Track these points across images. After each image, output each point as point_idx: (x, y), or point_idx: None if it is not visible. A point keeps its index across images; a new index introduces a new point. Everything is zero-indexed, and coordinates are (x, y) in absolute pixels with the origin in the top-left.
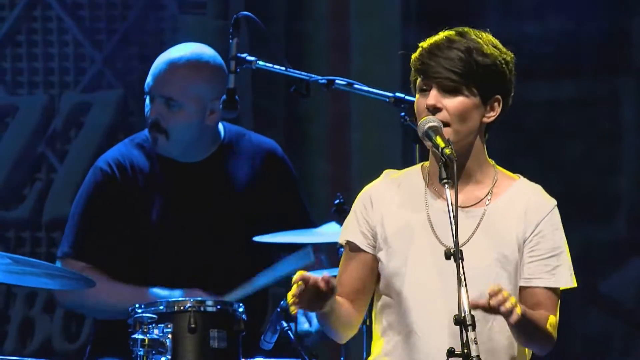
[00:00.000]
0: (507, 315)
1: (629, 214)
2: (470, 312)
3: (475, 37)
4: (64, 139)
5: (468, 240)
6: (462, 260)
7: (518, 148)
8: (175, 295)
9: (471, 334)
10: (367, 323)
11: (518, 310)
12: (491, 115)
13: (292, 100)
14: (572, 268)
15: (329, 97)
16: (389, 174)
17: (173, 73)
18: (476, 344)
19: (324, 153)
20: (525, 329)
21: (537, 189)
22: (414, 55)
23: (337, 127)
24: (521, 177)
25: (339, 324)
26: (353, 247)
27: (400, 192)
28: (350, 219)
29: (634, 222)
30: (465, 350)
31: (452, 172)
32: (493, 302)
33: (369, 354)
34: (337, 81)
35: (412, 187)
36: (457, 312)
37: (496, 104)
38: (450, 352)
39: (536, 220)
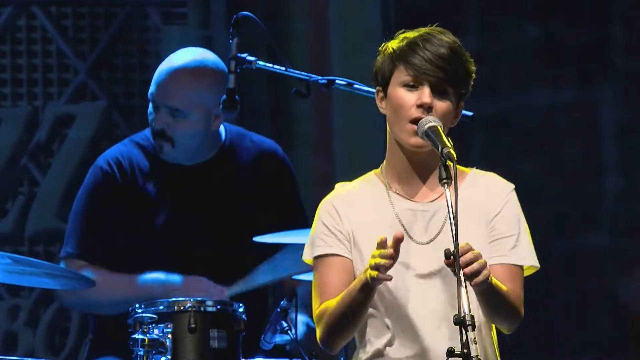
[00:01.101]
0: (471, 277)
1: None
2: (470, 312)
3: (456, 39)
4: (47, 152)
5: (439, 232)
6: (459, 258)
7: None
8: (173, 279)
9: (471, 334)
10: None
11: (485, 272)
12: (455, 121)
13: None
14: (533, 249)
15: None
16: (343, 186)
17: (177, 82)
18: (476, 344)
19: (308, 148)
20: (491, 299)
21: (493, 176)
22: (398, 45)
23: (320, 123)
24: (474, 168)
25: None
26: (331, 256)
27: (362, 199)
28: (318, 231)
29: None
30: (465, 351)
31: (454, 172)
32: (462, 259)
33: (348, 354)
34: (337, 81)
35: (373, 193)
36: (457, 312)
37: (460, 109)
38: (450, 352)
39: (496, 203)
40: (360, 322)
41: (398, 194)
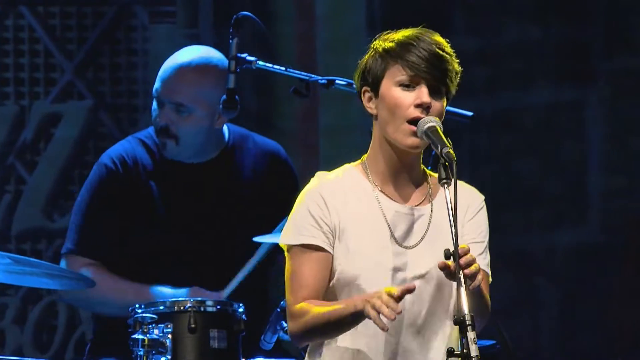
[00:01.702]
0: (471, 278)
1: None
2: (469, 312)
3: (443, 40)
4: (33, 151)
5: (424, 236)
6: (458, 258)
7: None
8: (180, 294)
9: (471, 334)
10: None
11: (480, 276)
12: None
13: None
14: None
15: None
16: (324, 175)
17: (182, 78)
18: (476, 344)
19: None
20: (476, 299)
21: (464, 184)
22: (391, 45)
23: (306, 119)
24: None
25: None
26: (313, 248)
27: (348, 191)
28: (303, 219)
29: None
30: (465, 351)
31: (453, 172)
32: (462, 260)
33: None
34: (337, 81)
35: (359, 187)
36: (457, 313)
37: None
38: (450, 352)
39: (472, 210)
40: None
41: (383, 193)
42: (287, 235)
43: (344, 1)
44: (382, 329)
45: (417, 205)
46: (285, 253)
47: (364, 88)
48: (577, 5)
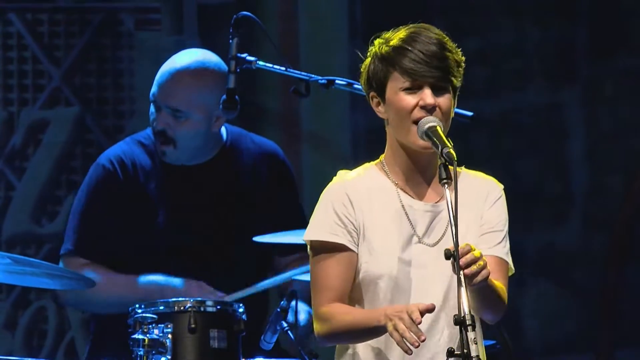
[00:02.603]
0: (470, 278)
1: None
2: (470, 312)
3: (441, 33)
4: (22, 156)
5: (444, 233)
6: (459, 259)
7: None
8: (174, 282)
9: (471, 334)
10: None
11: (485, 272)
12: (453, 113)
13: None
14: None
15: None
16: (346, 173)
17: (178, 83)
18: (476, 344)
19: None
20: (484, 295)
21: (483, 175)
22: (386, 50)
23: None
24: (463, 167)
25: None
26: (338, 247)
27: (371, 189)
28: (328, 217)
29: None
30: (465, 351)
31: (454, 172)
32: (462, 260)
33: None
34: (337, 81)
35: (381, 185)
36: (457, 313)
37: (456, 99)
38: (450, 352)
39: (491, 200)
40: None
41: (404, 191)
42: (311, 231)
43: (327, 2)
44: (407, 353)
45: (438, 202)
46: (309, 250)
47: (372, 93)
48: (576, 5)
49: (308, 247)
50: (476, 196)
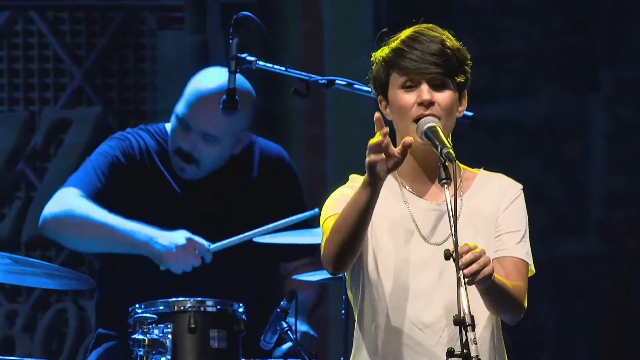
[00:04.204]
0: (470, 277)
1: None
2: (469, 312)
3: (444, 32)
4: (43, 157)
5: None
6: (458, 259)
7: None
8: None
9: (471, 334)
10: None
11: (486, 271)
12: (461, 110)
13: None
14: (531, 254)
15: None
16: (358, 177)
17: (212, 107)
18: (476, 344)
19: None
20: (494, 295)
21: (502, 176)
22: (387, 52)
23: (312, 122)
24: (482, 169)
25: None
26: None
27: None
28: (341, 198)
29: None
30: (465, 351)
31: (453, 172)
32: (461, 261)
33: (349, 350)
34: (337, 81)
35: (387, 188)
36: (457, 313)
37: (464, 98)
38: (450, 352)
39: (505, 201)
40: (362, 230)
41: (410, 192)
42: (325, 212)
43: (352, 3)
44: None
45: (444, 200)
46: (322, 229)
47: (379, 97)
48: (581, 10)
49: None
50: (491, 197)
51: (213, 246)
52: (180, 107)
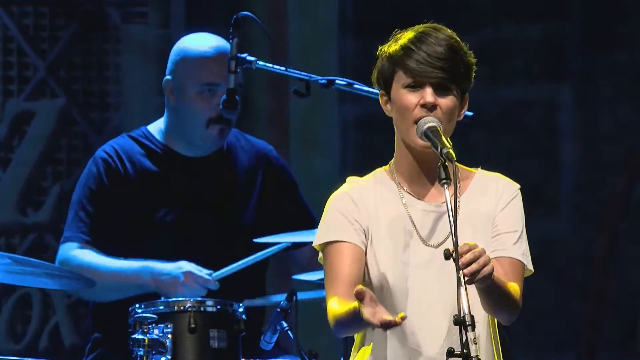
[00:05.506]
0: (470, 277)
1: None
2: (469, 312)
3: (452, 34)
4: (7, 148)
5: (449, 235)
6: (458, 259)
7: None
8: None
9: (470, 334)
10: None
11: (486, 270)
12: (462, 114)
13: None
14: (529, 254)
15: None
16: (354, 179)
17: (218, 60)
18: (475, 344)
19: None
20: (492, 294)
21: (499, 176)
22: (394, 49)
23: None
24: (479, 169)
25: None
26: (345, 244)
27: (376, 195)
28: (334, 219)
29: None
30: (465, 351)
31: (453, 172)
32: (461, 260)
33: (349, 350)
34: (337, 81)
35: (385, 190)
36: (457, 312)
37: (465, 102)
38: (450, 352)
39: (504, 201)
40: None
41: (409, 193)
42: (319, 235)
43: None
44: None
45: (444, 202)
46: (320, 255)
47: (381, 92)
48: (574, 3)
49: (320, 253)
50: (488, 197)
51: (215, 274)
52: (191, 84)
